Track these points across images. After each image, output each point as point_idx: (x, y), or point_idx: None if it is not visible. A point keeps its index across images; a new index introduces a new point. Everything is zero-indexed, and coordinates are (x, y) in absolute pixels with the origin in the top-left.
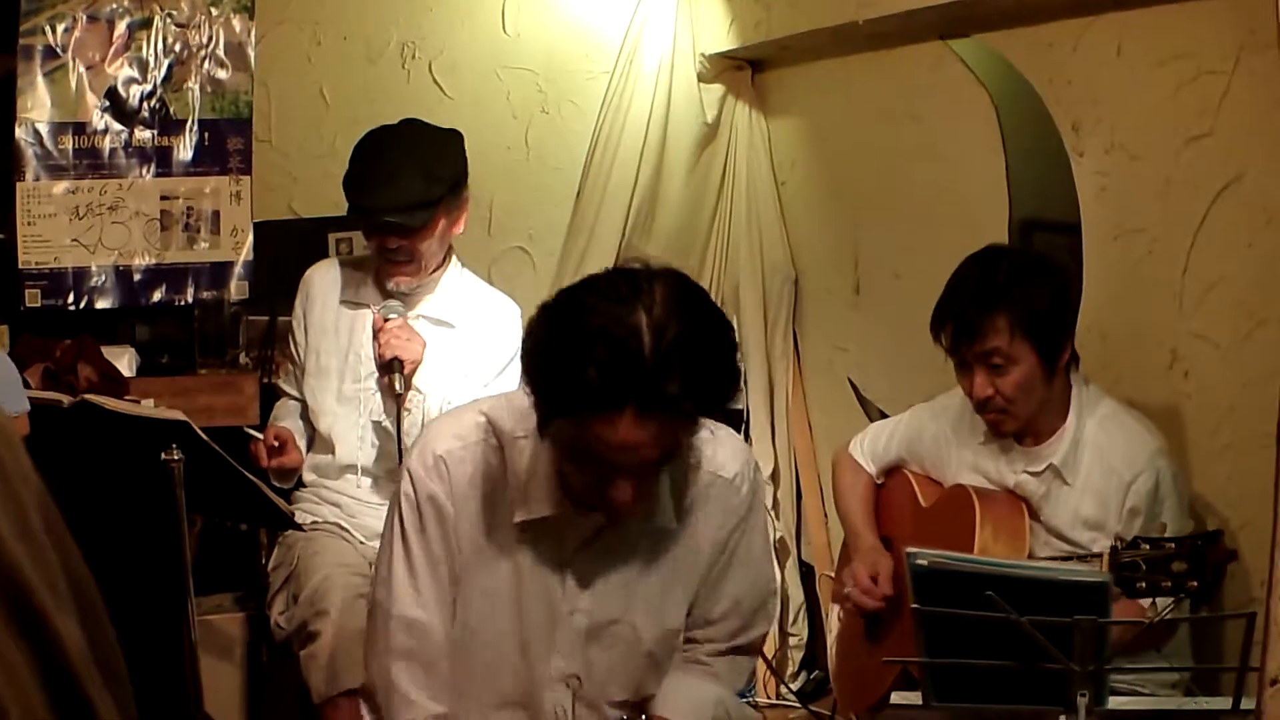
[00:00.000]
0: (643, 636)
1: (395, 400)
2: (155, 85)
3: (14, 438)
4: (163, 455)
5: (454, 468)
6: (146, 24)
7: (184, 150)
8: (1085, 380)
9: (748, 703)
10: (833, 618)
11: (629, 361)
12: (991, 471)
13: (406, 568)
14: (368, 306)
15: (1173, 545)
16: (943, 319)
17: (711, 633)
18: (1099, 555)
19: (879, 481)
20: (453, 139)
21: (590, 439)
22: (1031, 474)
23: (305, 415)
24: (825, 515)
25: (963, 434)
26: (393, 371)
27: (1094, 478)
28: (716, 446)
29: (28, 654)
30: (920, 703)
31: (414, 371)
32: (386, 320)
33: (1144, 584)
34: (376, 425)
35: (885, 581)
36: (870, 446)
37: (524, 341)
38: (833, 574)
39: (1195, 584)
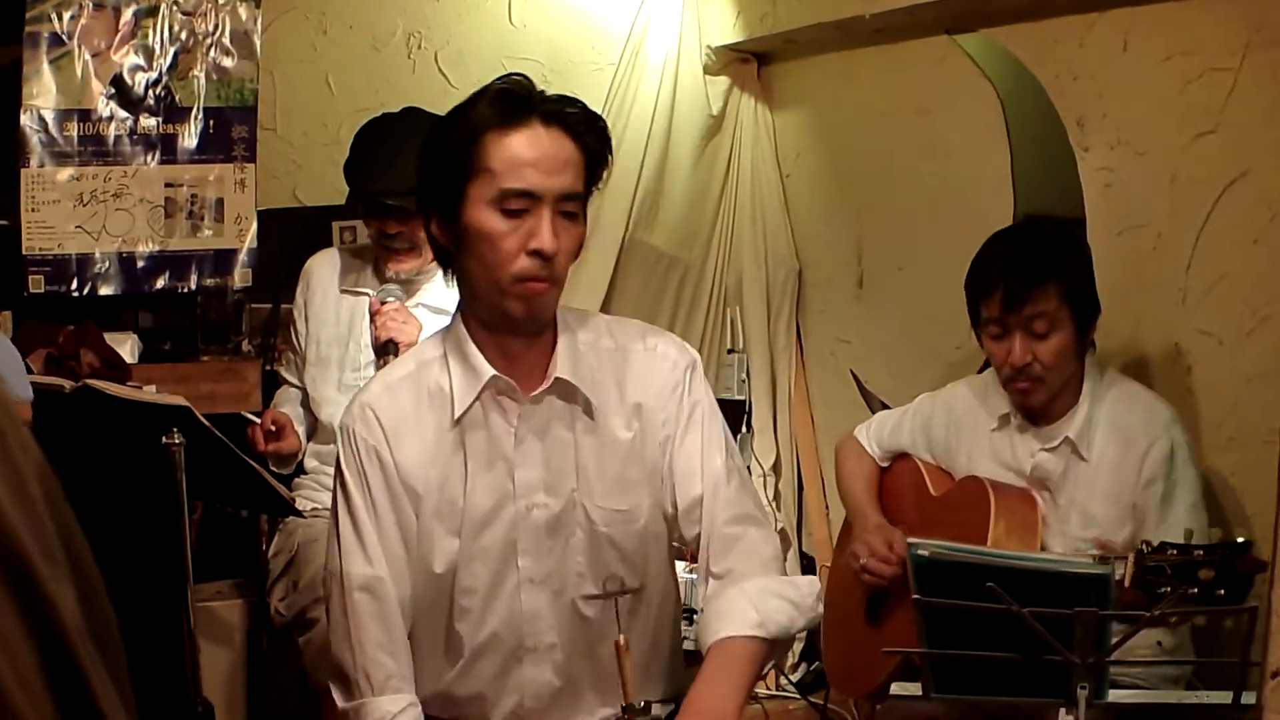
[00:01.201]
0: (594, 519)
1: None
2: (161, 73)
3: (13, 408)
4: (164, 439)
5: (381, 410)
6: (153, 12)
7: (189, 138)
8: (1096, 359)
9: None
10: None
11: (524, 87)
12: (1007, 455)
13: (352, 527)
14: (367, 294)
15: (1200, 552)
16: (989, 285)
17: (701, 515)
18: (1123, 558)
19: (884, 465)
20: None
21: (509, 165)
22: (1048, 450)
23: (306, 403)
24: (827, 507)
25: (975, 422)
26: (388, 354)
27: (1110, 452)
28: (642, 330)
29: (22, 622)
30: (920, 693)
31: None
32: (384, 303)
33: (1168, 588)
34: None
35: (901, 548)
36: (876, 433)
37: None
38: (830, 565)
39: (1222, 592)
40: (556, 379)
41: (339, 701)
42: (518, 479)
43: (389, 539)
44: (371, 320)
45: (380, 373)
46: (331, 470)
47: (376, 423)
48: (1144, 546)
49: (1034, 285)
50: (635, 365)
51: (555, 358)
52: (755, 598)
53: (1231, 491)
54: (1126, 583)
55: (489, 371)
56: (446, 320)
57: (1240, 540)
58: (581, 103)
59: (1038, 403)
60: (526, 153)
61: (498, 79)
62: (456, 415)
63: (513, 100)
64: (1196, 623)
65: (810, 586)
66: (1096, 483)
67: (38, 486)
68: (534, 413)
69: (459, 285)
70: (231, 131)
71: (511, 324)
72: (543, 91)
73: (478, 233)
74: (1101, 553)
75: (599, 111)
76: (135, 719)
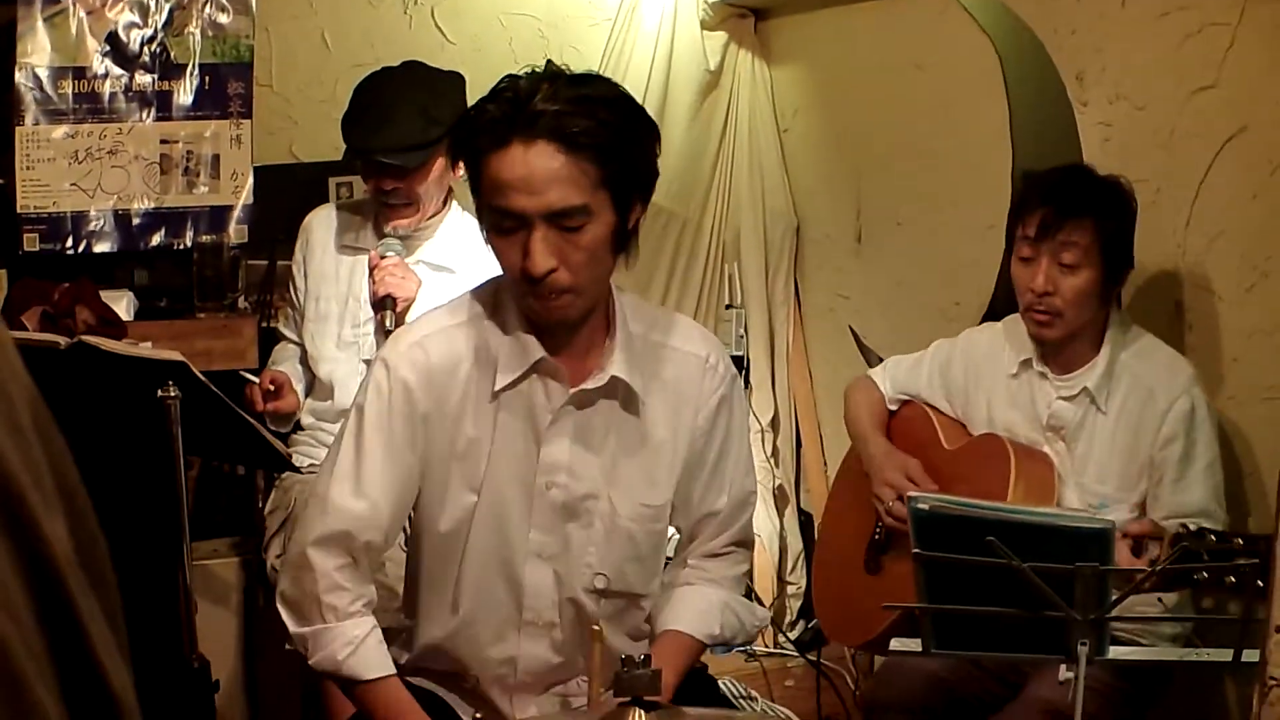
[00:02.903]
0: (620, 512)
1: (386, 337)
2: (156, 29)
3: (3, 336)
4: (159, 392)
5: (431, 350)
6: None
7: (184, 94)
8: (1120, 314)
9: (744, 651)
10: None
11: (520, 97)
12: (1025, 402)
13: (354, 456)
14: (367, 251)
15: (1240, 541)
16: (1031, 206)
17: (712, 527)
18: (1158, 539)
19: (892, 409)
20: (453, 81)
21: (493, 186)
22: (1066, 399)
23: (304, 360)
24: (824, 463)
25: (993, 369)
26: (386, 308)
27: (1130, 405)
28: (688, 331)
29: (12, 552)
30: (920, 649)
31: (407, 309)
32: (383, 258)
33: (1205, 574)
34: (368, 365)
35: (922, 480)
36: (892, 372)
37: None
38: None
39: (1261, 584)
40: (613, 377)
41: (292, 627)
42: (543, 454)
43: (394, 480)
44: (370, 275)
45: (432, 313)
46: (329, 426)
47: (425, 363)
48: (1182, 529)
49: (1071, 216)
50: (684, 370)
51: (612, 353)
52: (722, 610)
53: (1231, 448)
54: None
55: (537, 353)
56: (447, 277)
57: None
58: (587, 98)
59: (1051, 337)
60: (505, 174)
61: (499, 83)
62: (498, 387)
63: (495, 120)
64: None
65: (763, 619)
66: (1114, 436)
67: (28, 414)
68: (577, 397)
69: None
70: (227, 88)
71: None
72: (537, 94)
73: (487, 236)
74: (1135, 536)
75: (598, 66)
76: (126, 652)
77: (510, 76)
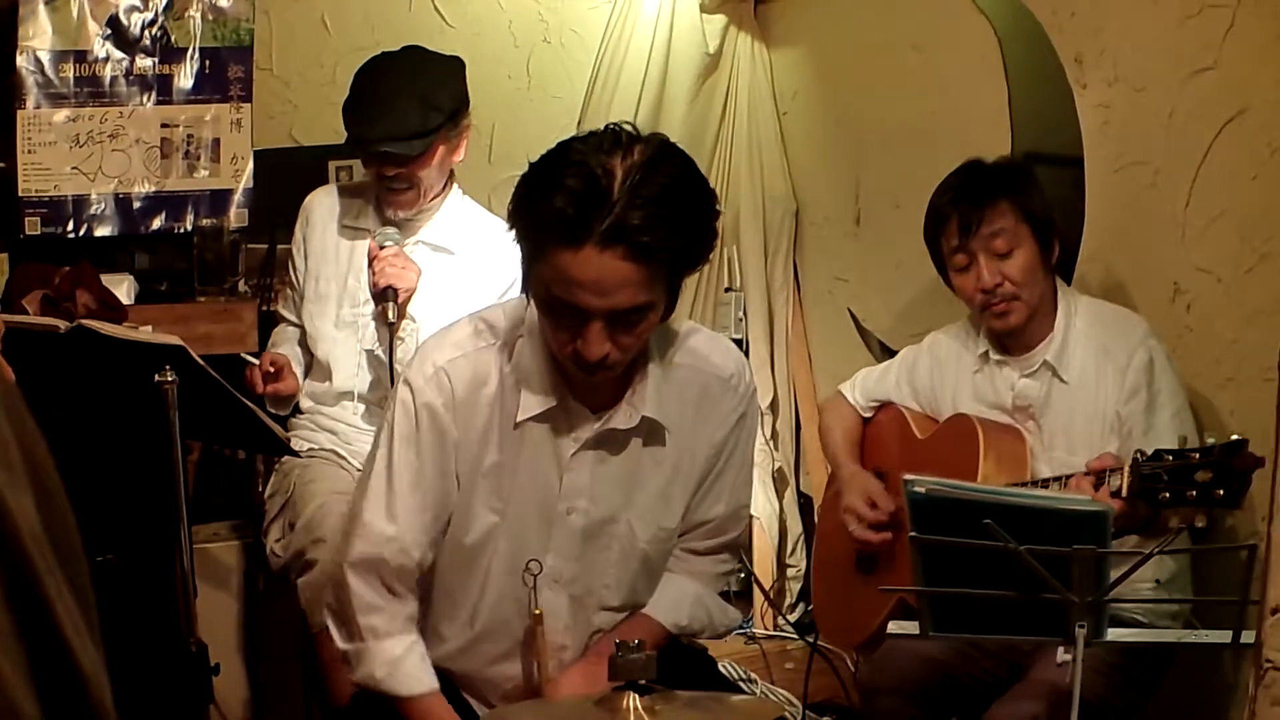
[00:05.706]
0: (638, 535)
1: (388, 329)
2: (157, 13)
3: None
4: (156, 377)
5: (455, 376)
6: None
7: (185, 78)
8: (1064, 285)
9: (744, 634)
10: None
11: (596, 193)
12: (989, 392)
13: (387, 481)
14: (367, 233)
15: (1196, 455)
16: (944, 218)
17: (702, 531)
18: (1118, 470)
19: (867, 416)
20: (453, 66)
21: (559, 279)
22: (1028, 376)
23: (304, 342)
24: None
25: (959, 364)
26: (387, 300)
27: (1089, 370)
28: (711, 348)
29: None
30: (918, 632)
31: (408, 300)
32: (382, 248)
33: (1167, 494)
34: (370, 354)
35: (883, 500)
36: (861, 385)
37: (515, 188)
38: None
39: (1221, 492)
40: (644, 418)
41: (339, 642)
42: (565, 481)
43: (422, 505)
44: (370, 266)
45: (454, 334)
46: (327, 409)
47: (449, 390)
48: (1138, 455)
49: (985, 205)
50: (706, 389)
51: (644, 390)
52: (693, 604)
53: (1230, 429)
54: (1124, 492)
55: (562, 394)
56: (447, 259)
57: (1235, 438)
58: (665, 197)
59: (1018, 322)
60: (574, 273)
61: (564, 162)
62: (519, 420)
63: (569, 219)
64: (1198, 524)
65: (734, 620)
66: (1078, 402)
67: None
68: (605, 434)
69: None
70: (228, 71)
71: None
72: (614, 189)
73: (536, 303)
74: (1096, 471)
75: (597, 49)
76: (95, 629)
77: (573, 152)
